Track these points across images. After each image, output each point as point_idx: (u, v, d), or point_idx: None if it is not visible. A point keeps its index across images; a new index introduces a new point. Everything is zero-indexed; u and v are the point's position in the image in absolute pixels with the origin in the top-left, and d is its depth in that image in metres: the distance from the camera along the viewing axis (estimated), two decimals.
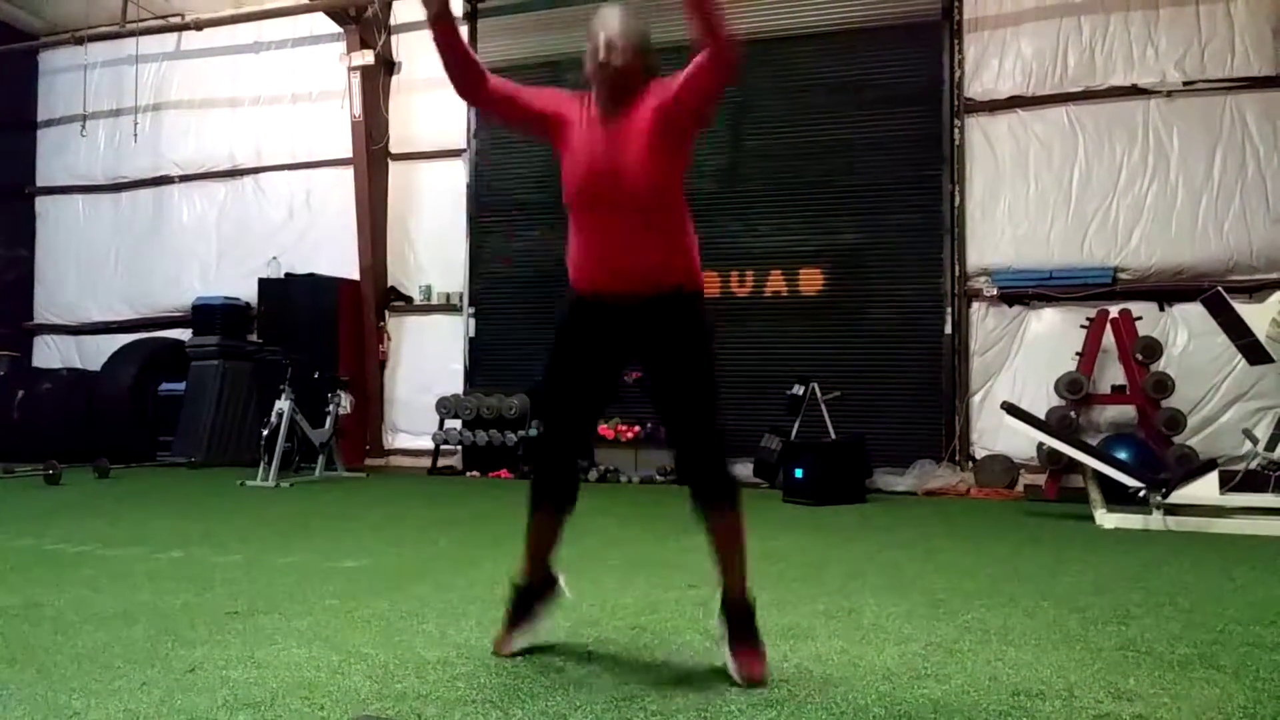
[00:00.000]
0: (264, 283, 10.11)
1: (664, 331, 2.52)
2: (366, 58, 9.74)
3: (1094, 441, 6.93)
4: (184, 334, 10.44)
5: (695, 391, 2.50)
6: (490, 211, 9.85)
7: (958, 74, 8.28)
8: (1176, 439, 7.14)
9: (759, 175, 8.88)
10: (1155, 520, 5.46)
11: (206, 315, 10.11)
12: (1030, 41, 8.13)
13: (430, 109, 10.03)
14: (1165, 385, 7.14)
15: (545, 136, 2.64)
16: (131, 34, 10.70)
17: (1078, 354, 7.52)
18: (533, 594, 2.71)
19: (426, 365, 9.90)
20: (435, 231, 9.99)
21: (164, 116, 11.17)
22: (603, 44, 2.48)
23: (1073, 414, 7.39)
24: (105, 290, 11.38)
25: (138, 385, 9.93)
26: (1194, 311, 7.11)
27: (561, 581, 2.78)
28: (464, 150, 9.93)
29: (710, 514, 2.49)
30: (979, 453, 7.99)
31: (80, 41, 11.00)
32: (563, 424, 2.66)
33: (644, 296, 2.51)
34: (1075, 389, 7.35)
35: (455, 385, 9.64)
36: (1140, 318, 7.43)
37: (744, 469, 7.68)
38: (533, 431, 8.66)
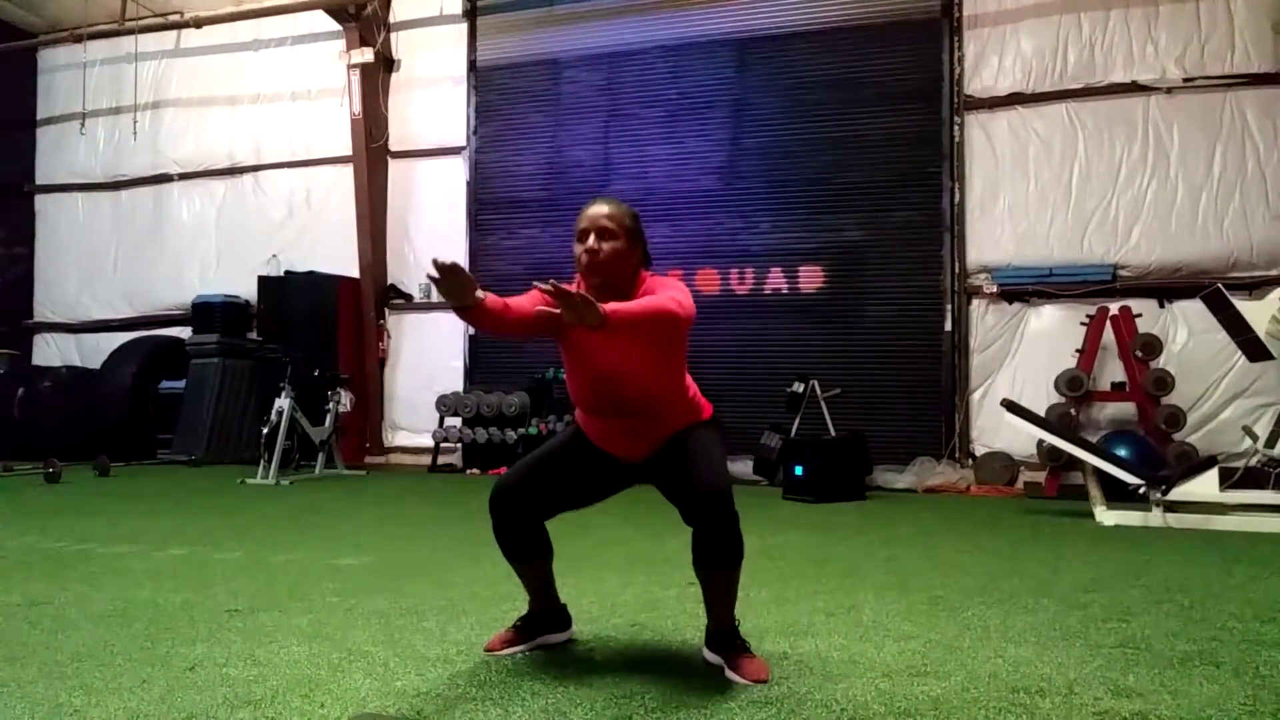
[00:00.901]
0: (264, 280, 10.10)
1: (675, 447, 2.54)
2: (366, 55, 9.73)
3: (1094, 438, 6.93)
4: (184, 332, 10.45)
5: (704, 459, 2.48)
6: (490, 209, 9.85)
7: (958, 71, 8.27)
8: (1176, 436, 7.15)
9: (759, 172, 8.88)
10: (1155, 517, 5.46)
11: (206, 313, 10.11)
12: (1030, 38, 8.12)
13: (429, 106, 10.04)
14: (1165, 382, 7.14)
15: (553, 335, 2.56)
16: (131, 32, 10.69)
17: (1078, 351, 7.52)
18: (542, 620, 2.75)
19: (426, 363, 9.90)
20: (435, 229, 9.99)
21: (163, 114, 11.17)
22: (592, 228, 2.48)
23: (1073, 411, 7.39)
24: (105, 288, 11.38)
25: (138, 383, 9.93)
26: (1194, 308, 7.11)
27: (572, 626, 2.81)
28: (463, 148, 9.93)
29: (713, 573, 2.47)
30: (979, 450, 7.99)
31: (79, 39, 11.00)
32: (538, 496, 2.62)
33: (655, 450, 2.58)
34: (1075, 386, 7.35)
35: (455, 383, 9.65)
36: (1140, 315, 7.43)
37: (744, 466, 7.70)
38: (533, 429, 8.67)
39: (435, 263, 2.25)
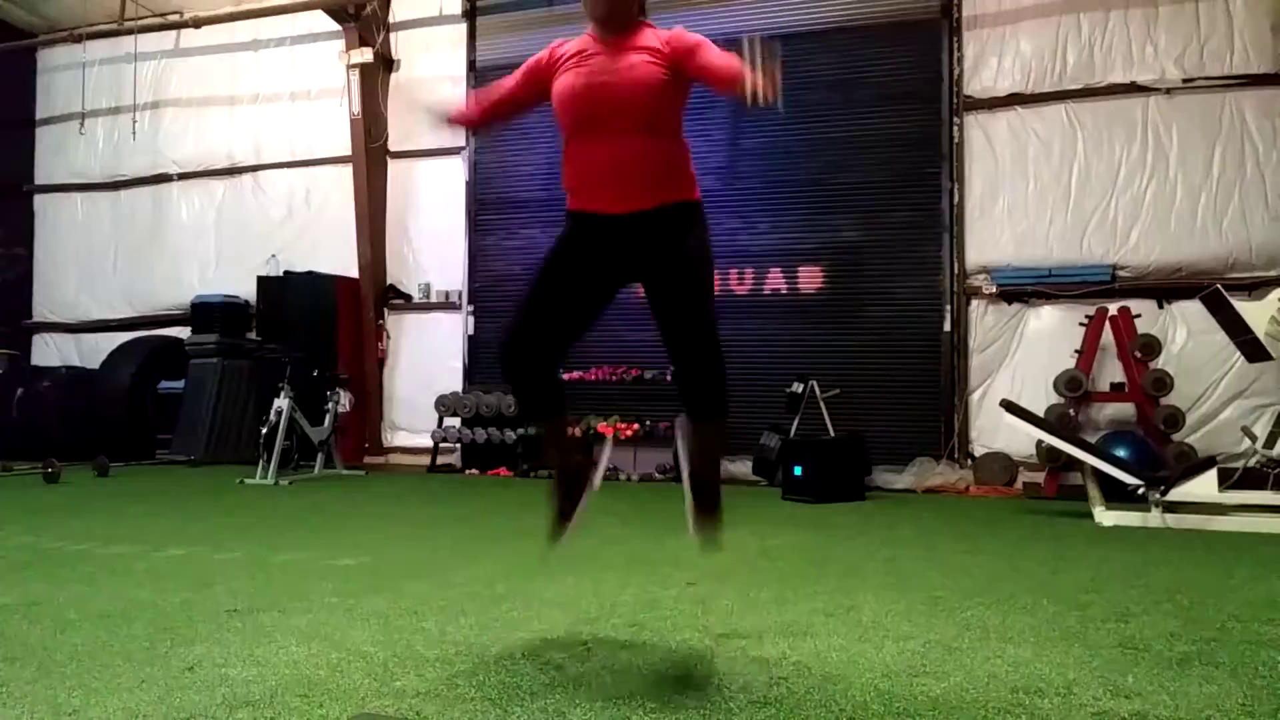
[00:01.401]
0: (263, 281, 10.10)
1: (666, 241, 2.47)
2: (365, 55, 9.73)
3: (1093, 439, 6.94)
4: (183, 332, 10.44)
5: (697, 305, 2.46)
6: (489, 209, 9.85)
7: (957, 71, 8.28)
8: (1175, 436, 7.15)
9: (758, 173, 8.88)
10: (1154, 518, 5.46)
11: (205, 313, 10.10)
12: (1029, 39, 8.12)
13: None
14: (1164, 383, 7.14)
15: (547, 91, 2.59)
16: (130, 32, 10.69)
17: (1077, 351, 7.52)
18: (574, 477, 2.67)
19: (425, 363, 9.90)
20: (434, 229, 9.99)
21: (163, 114, 11.17)
22: None
23: (1072, 411, 7.39)
24: (104, 288, 11.37)
25: (137, 383, 9.93)
26: (1193, 309, 7.11)
27: (597, 476, 2.72)
28: (463, 148, 9.92)
29: (700, 424, 2.50)
30: (978, 450, 7.99)
31: (79, 39, 11.00)
32: (543, 330, 2.52)
33: (646, 211, 2.48)
34: (1074, 386, 7.36)
35: (454, 383, 9.65)
36: (1139, 315, 7.43)
37: (743, 466, 7.70)
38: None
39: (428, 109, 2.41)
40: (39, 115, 11.89)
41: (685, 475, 2.56)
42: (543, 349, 2.53)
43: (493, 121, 2.75)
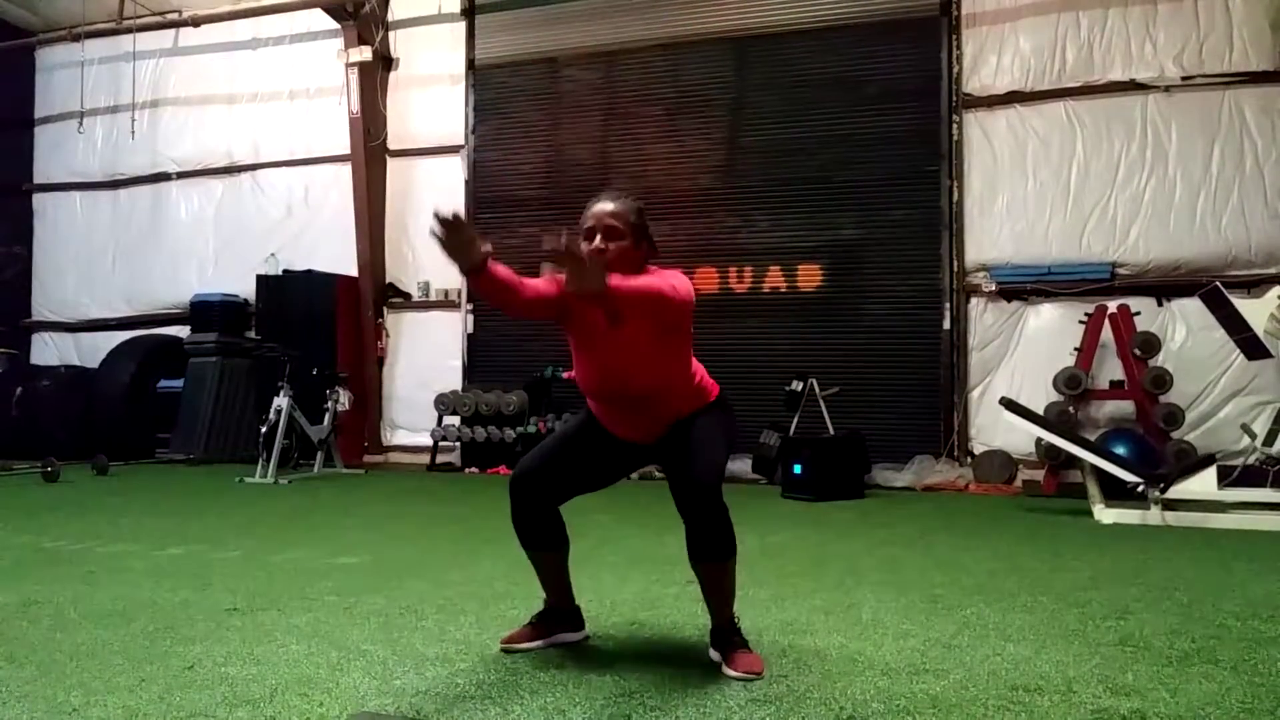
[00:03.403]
0: (262, 279, 10.09)
1: (679, 432, 2.56)
2: (364, 54, 9.72)
3: (1092, 437, 6.93)
4: (182, 331, 10.43)
5: (701, 452, 2.50)
6: (488, 207, 9.84)
7: (956, 69, 8.27)
8: (1175, 434, 7.15)
9: (757, 171, 8.88)
10: (1153, 515, 5.46)
11: (204, 312, 10.10)
12: (1028, 37, 8.12)
13: (428, 105, 10.03)
14: (1163, 380, 7.14)
15: (559, 320, 2.60)
16: (129, 30, 10.66)
17: (1076, 349, 7.52)
18: (558, 617, 2.75)
19: (425, 362, 9.90)
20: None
21: (161, 113, 11.15)
22: (599, 227, 2.49)
23: (1071, 409, 7.39)
24: (103, 287, 11.36)
25: (136, 382, 9.92)
26: (1192, 306, 7.12)
27: (585, 628, 2.81)
28: (462, 146, 9.92)
29: (705, 566, 2.50)
30: (978, 448, 7.99)
31: (77, 38, 10.97)
32: (555, 481, 2.65)
33: (662, 435, 2.60)
34: (1073, 384, 7.36)
35: (454, 382, 9.64)
36: (1139, 313, 7.43)
37: (742, 465, 7.70)
38: (531, 428, 8.67)
39: (437, 215, 2.16)
40: (38, 114, 11.87)
41: (710, 633, 2.60)
42: (550, 493, 2.66)
43: (507, 304, 2.49)
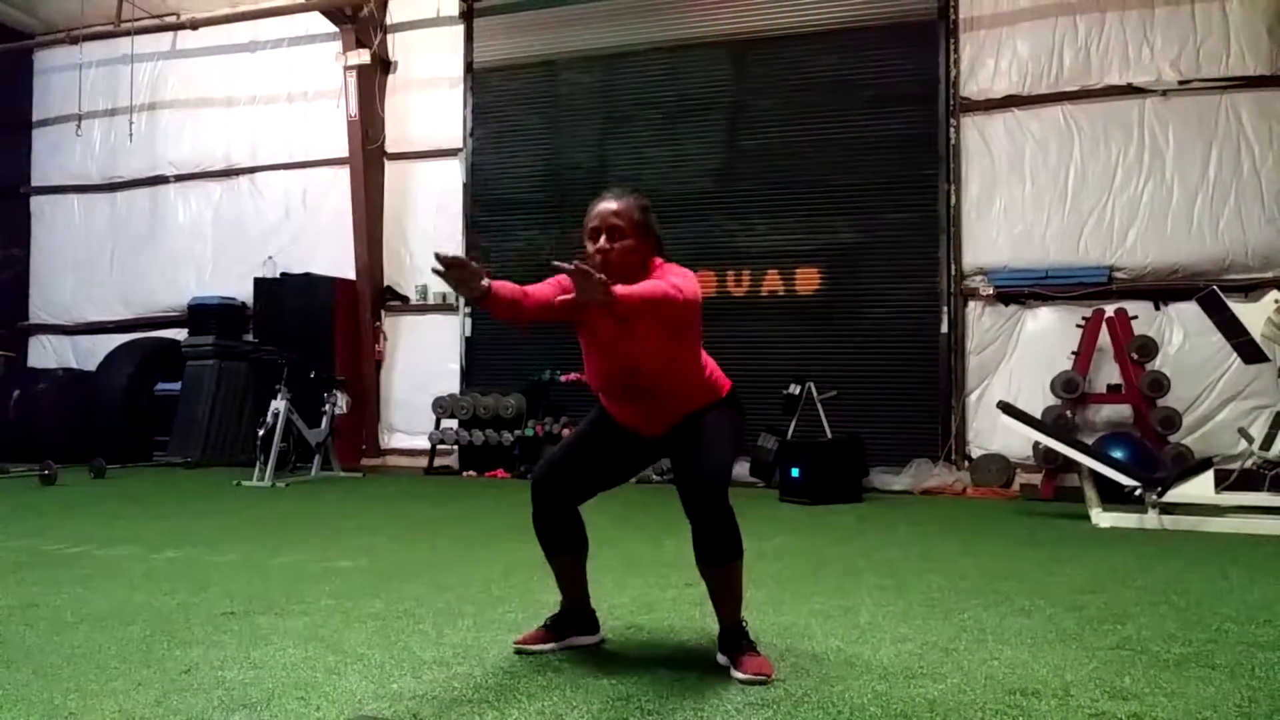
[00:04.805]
0: (260, 282, 10.09)
1: (689, 427, 2.57)
2: (362, 57, 9.73)
3: (1090, 440, 6.94)
4: (180, 334, 10.42)
5: (707, 452, 2.50)
6: (486, 211, 9.85)
7: (953, 73, 8.28)
8: (1172, 438, 7.16)
9: (755, 175, 8.88)
10: (1151, 519, 5.47)
11: (202, 315, 10.10)
12: (1026, 41, 8.13)
13: (426, 108, 10.04)
14: (1161, 384, 7.15)
15: (569, 319, 2.59)
16: (126, 33, 10.67)
17: (1073, 353, 7.53)
18: (573, 620, 2.76)
19: (423, 365, 9.89)
20: (431, 231, 9.96)
21: (159, 116, 11.16)
22: (603, 227, 2.50)
23: (1069, 413, 7.40)
24: (101, 290, 11.36)
25: (133, 385, 9.91)
26: (1189, 310, 7.12)
27: (600, 631, 2.82)
28: (460, 149, 9.93)
29: (712, 570, 2.51)
30: (975, 452, 8.00)
31: (75, 41, 10.98)
32: (574, 479, 2.68)
33: (675, 425, 2.61)
34: (1071, 388, 7.36)
35: (452, 385, 9.64)
36: (1136, 317, 7.44)
37: (740, 468, 7.69)
38: (529, 431, 8.67)
39: (438, 256, 2.23)
40: (35, 117, 11.88)
41: (718, 637, 2.60)
42: (569, 492, 2.69)
43: (516, 318, 2.50)
